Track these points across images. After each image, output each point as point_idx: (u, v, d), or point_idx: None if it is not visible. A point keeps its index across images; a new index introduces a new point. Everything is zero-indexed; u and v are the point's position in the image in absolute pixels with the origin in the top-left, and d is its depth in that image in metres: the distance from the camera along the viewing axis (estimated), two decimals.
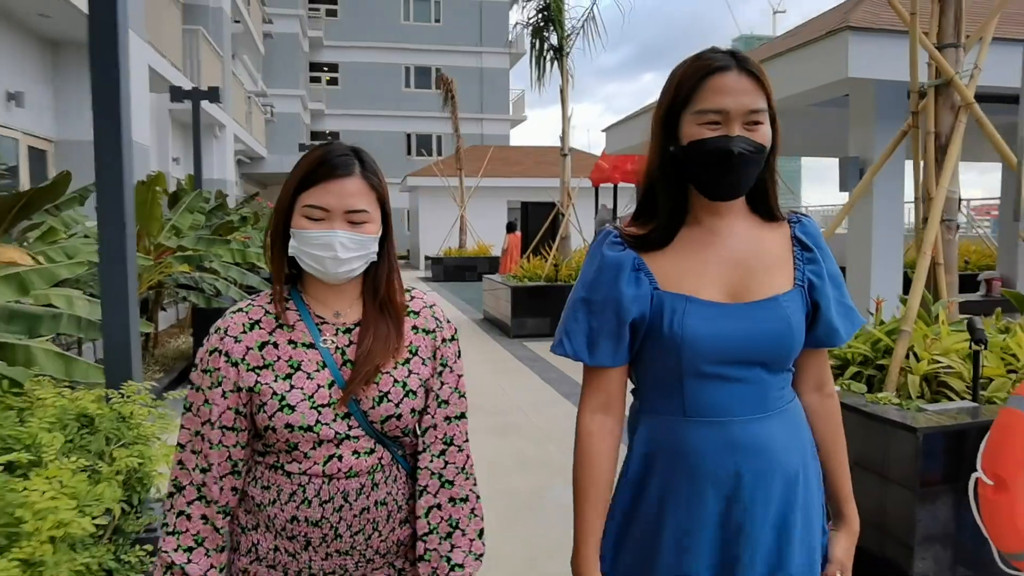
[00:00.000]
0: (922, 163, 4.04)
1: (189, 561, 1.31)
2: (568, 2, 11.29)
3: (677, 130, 1.35)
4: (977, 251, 12.69)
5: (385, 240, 1.39)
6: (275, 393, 1.30)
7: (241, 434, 1.34)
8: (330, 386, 1.32)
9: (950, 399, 3.31)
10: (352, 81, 34.18)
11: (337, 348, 1.36)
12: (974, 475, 2.53)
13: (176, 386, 6.59)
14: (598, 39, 11.22)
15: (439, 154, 32.64)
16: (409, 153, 34.29)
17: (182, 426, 1.37)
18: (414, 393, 1.38)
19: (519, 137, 42.48)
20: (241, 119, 18.24)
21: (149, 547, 2.34)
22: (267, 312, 1.37)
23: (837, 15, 6.26)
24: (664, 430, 1.41)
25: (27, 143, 8.10)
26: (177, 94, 9.98)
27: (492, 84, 35.49)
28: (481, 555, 1.44)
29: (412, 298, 1.47)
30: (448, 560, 1.39)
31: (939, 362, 3.43)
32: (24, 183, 8.01)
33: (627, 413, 1.50)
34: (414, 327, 1.42)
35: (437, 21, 34.89)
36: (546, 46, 11.26)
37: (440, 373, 1.44)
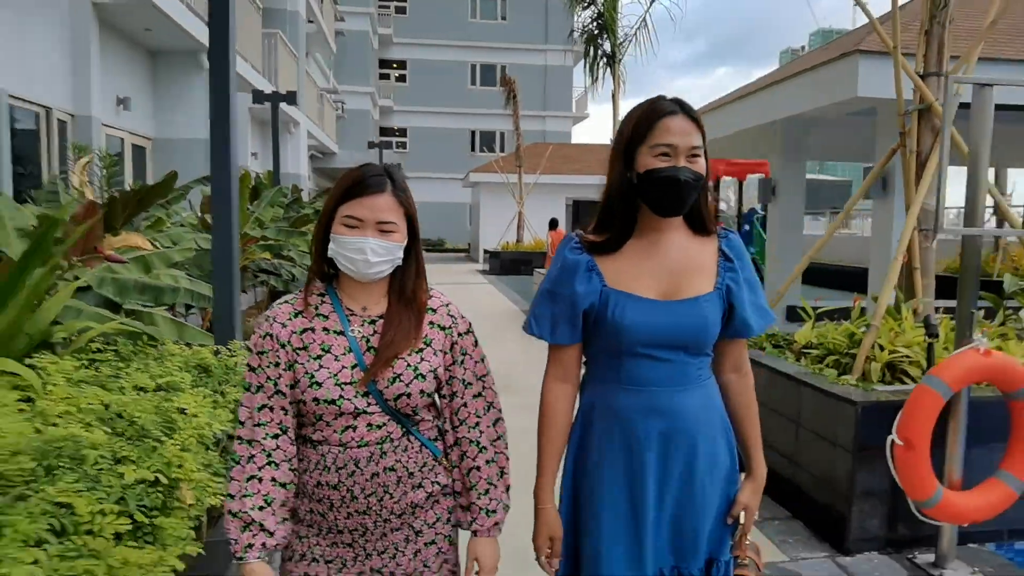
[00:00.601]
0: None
1: (266, 517, 1.53)
2: (622, 10, 11.82)
3: (633, 161, 1.67)
4: None
5: (412, 247, 1.61)
6: (307, 372, 1.53)
7: (293, 406, 1.57)
8: (353, 368, 1.54)
9: (906, 384, 3.86)
10: (420, 78, 35.26)
11: (363, 336, 1.58)
12: (890, 438, 3.12)
13: None
14: (650, 46, 11.69)
15: (502, 151, 33.43)
16: (473, 149, 35.17)
17: (242, 405, 1.58)
18: (423, 377, 1.58)
19: (581, 133, 42.66)
20: (314, 116, 19.37)
21: None
22: (307, 304, 1.60)
23: (853, 38, 6.74)
24: (605, 394, 1.77)
25: (131, 141, 9.22)
26: (259, 97, 10.99)
27: (555, 81, 36.01)
28: (508, 506, 1.72)
29: (431, 297, 1.67)
30: (486, 511, 1.67)
31: (900, 352, 3.98)
32: (128, 175, 9.13)
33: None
34: (431, 322, 1.64)
35: (503, 19, 35.60)
36: (599, 52, 11.83)
37: (461, 362, 1.67)
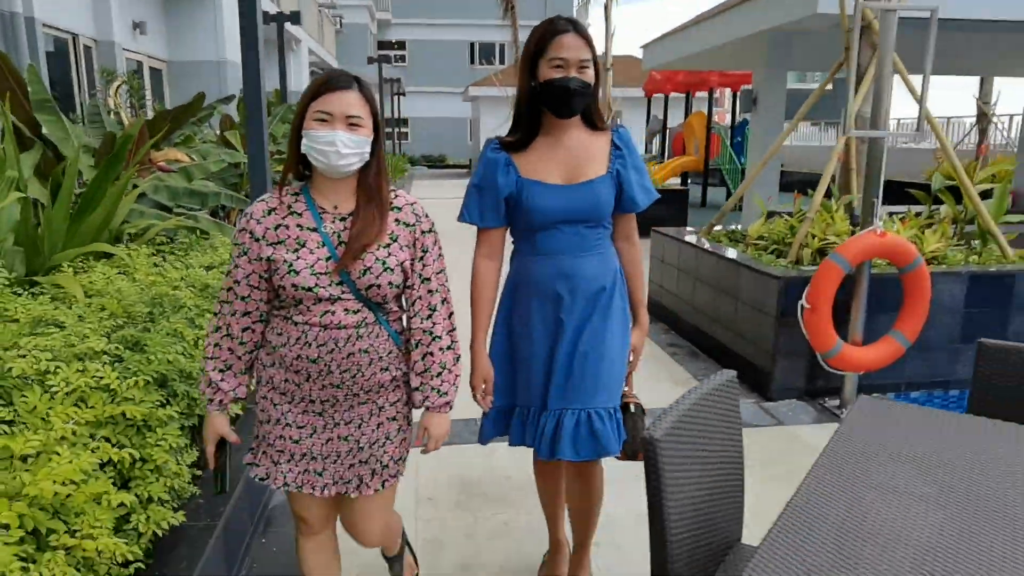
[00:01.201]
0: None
1: (223, 379, 1.78)
2: None
3: (536, 72, 1.98)
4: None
5: (376, 146, 1.72)
6: (285, 261, 1.67)
7: (261, 292, 1.74)
8: (327, 260, 1.68)
9: None
10: None
11: (334, 232, 1.70)
12: (800, 302, 3.90)
13: None
14: None
15: (502, 63, 33.20)
16: (472, 62, 34.87)
17: (222, 286, 1.79)
18: (391, 270, 1.72)
19: None
20: (314, 33, 19.52)
21: None
22: (281, 202, 1.73)
23: None
24: (525, 264, 2.13)
25: (148, 64, 9.73)
26: (266, 18, 11.35)
27: None
28: (457, 388, 1.89)
29: (396, 196, 1.80)
30: (437, 391, 1.83)
31: (829, 240, 4.71)
32: (148, 96, 9.68)
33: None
34: (396, 220, 1.76)
35: None
36: None
37: (421, 258, 1.80)
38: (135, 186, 4.42)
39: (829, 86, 5.48)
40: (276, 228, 1.70)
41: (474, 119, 29.43)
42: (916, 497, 1.45)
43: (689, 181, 18.44)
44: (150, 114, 8.38)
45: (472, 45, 35.08)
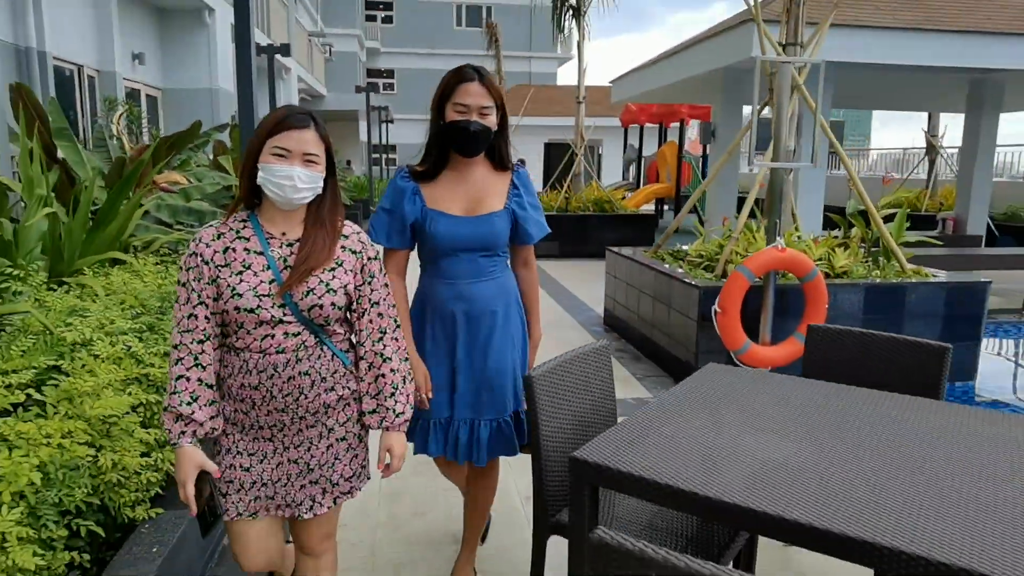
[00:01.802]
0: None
1: (194, 412, 1.71)
2: None
3: (444, 113, 2.16)
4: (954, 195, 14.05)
5: (329, 179, 1.79)
6: (229, 284, 1.70)
7: (216, 316, 1.75)
8: (271, 283, 1.72)
9: None
10: (406, 19, 35.68)
11: (280, 257, 1.75)
12: (713, 307, 4.56)
13: None
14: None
15: None
16: None
17: (176, 317, 1.75)
18: (334, 291, 1.78)
19: (567, 74, 42.84)
20: (304, 61, 20.28)
21: None
22: (230, 228, 1.77)
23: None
24: (429, 286, 2.30)
25: (146, 92, 10.39)
26: (256, 50, 12.05)
27: (541, 22, 36.29)
28: (412, 407, 1.95)
29: (344, 224, 1.88)
30: (393, 411, 1.89)
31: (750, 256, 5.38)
32: (144, 123, 10.31)
33: None
34: (343, 247, 1.84)
35: None
36: (566, 5, 12.84)
37: (369, 282, 1.87)
38: (141, 204, 5.04)
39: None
40: (224, 251, 1.74)
41: None
42: (730, 419, 2.08)
43: (665, 207, 19.22)
44: (147, 139, 9.02)
45: None
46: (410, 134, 34.91)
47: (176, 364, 1.74)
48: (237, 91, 5.06)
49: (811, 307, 4.67)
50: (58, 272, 3.94)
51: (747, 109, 9.83)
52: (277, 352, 1.73)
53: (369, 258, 1.89)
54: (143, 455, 2.36)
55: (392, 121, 31.33)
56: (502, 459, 2.52)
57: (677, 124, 18.95)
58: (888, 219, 5.84)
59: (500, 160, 2.29)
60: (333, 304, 1.78)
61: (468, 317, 2.24)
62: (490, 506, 2.60)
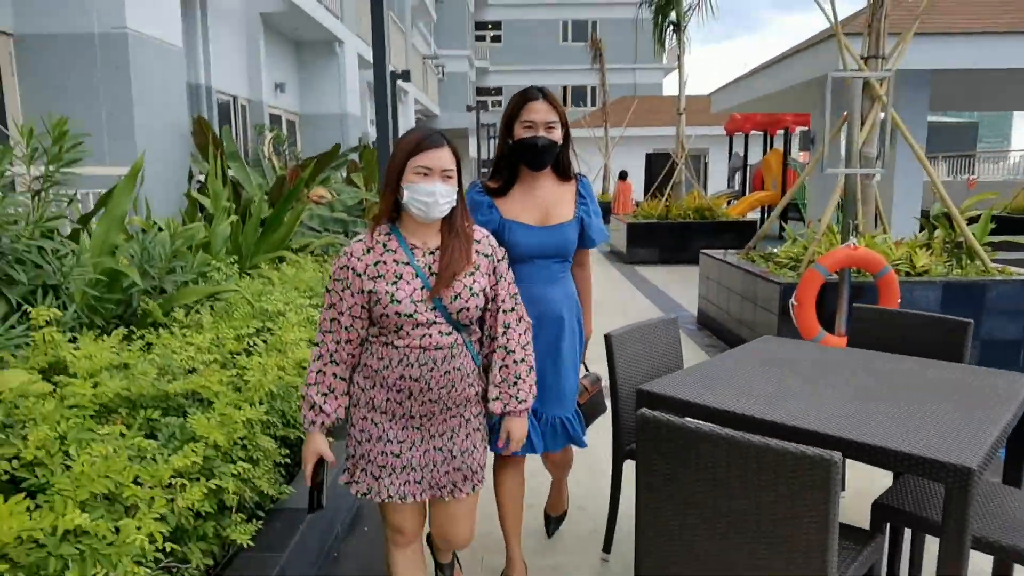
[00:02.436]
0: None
1: (325, 402, 1.95)
2: None
3: (512, 131, 2.35)
4: None
5: (459, 190, 1.96)
6: (387, 292, 1.89)
7: (362, 321, 1.95)
8: (421, 289, 1.91)
9: None
10: (513, 38, 36.94)
11: (425, 265, 1.94)
12: (791, 300, 5.02)
13: None
14: (710, 14, 13.08)
15: (593, 104, 34.80)
16: (565, 104, 36.58)
17: (321, 319, 1.98)
18: (477, 294, 1.97)
19: (672, 84, 42.82)
20: (419, 83, 21.66)
21: None
22: (376, 241, 1.95)
23: (851, 22, 8.26)
24: None
25: (286, 117, 11.75)
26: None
27: (646, 34, 36.68)
28: (533, 395, 2.11)
29: (474, 230, 2.03)
30: (515, 398, 2.06)
31: None
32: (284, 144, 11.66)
33: None
34: (476, 251, 2.01)
35: None
36: (667, 22, 13.34)
37: (497, 283, 2.04)
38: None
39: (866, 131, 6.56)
40: (375, 264, 1.93)
41: None
42: (783, 375, 2.66)
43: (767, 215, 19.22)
44: (288, 158, 10.26)
45: (565, 89, 36.88)
46: None
47: (316, 359, 1.96)
48: (376, 120, 6.03)
49: (884, 301, 5.04)
50: (240, 266, 4.94)
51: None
52: (436, 348, 1.92)
53: (499, 260, 2.07)
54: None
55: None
56: None
57: (782, 132, 18.92)
58: (974, 220, 6.06)
59: (564, 172, 2.47)
60: (477, 306, 1.97)
61: (539, 321, 2.37)
62: (565, 490, 2.90)
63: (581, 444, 2.54)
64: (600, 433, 3.73)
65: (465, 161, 28.51)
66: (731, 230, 12.70)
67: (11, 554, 1.57)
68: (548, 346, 2.41)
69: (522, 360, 2.08)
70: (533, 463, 2.85)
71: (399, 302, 1.88)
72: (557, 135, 2.35)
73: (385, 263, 1.93)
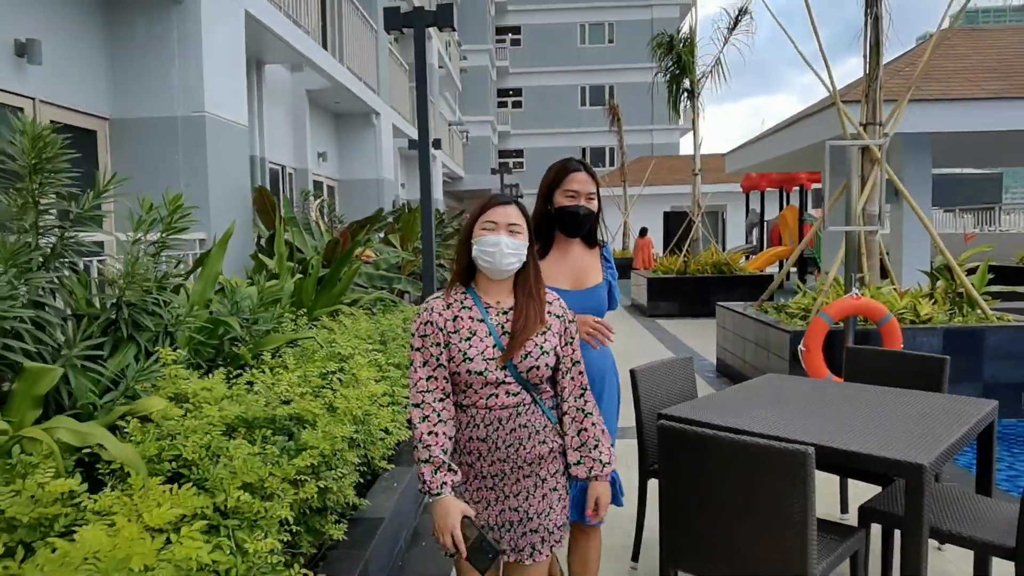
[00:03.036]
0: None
1: (450, 461, 1.92)
2: (699, 52, 14.08)
3: (552, 199, 2.48)
4: None
5: (530, 252, 2.03)
6: (460, 350, 1.94)
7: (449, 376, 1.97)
8: (493, 347, 1.96)
9: None
10: (534, 103, 38.41)
11: (498, 324, 1.99)
12: (799, 347, 5.50)
13: None
14: (723, 81, 13.85)
15: (611, 164, 35.83)
16: None
17: (411, 378, 1.99)
18: (547, 353, 2.00)
19: (688, 143, 43.77)
20: (445, 148, 22.68)
21: None
22: (454, 299, 2.03)
23: (850, 90, 8.93)
24: None
25: (327, 183, 12.58)
26: (413, 145, 14.16)
27: (662, 99, 37.98)
28: (614, 456, 2.13)
29: (547, 292, 2.10)
30: (599, 461, 2.06)
31: None
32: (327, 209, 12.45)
33: None
34: (549, 312, 2.06)
35: (611, 42, 38.13)
36: (681, 89, 14.15)
37: (570, 343, 2.08)
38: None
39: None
40: (453, 319, 1.99)
41: None
42: (789, 402, 3.16)
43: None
44: (327, 220, 10.99)
45: (584, 150, 38.04)
46: None
47: (423, 421, 1.93)
48: (420, 181, 6.68)
49: (887, 347, 5.51)
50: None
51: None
52: (501, 408, 1.95)
53: (569, 321, 2.11)
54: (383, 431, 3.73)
55: (522, 196, 33.60)
56: None
57: (797, 189, 19.53)
58: (972, 272, 6.53)
59: (592, 239, 2.60)
60: (547, 365, 2.00)
61: (588, 370, 2.42)
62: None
63: (618, 502, 2.53)
64: (624, 460, 4.22)
65: None
66: (747, 284, 13.18)
67: (183, 528, 2.10)
68: (598, 400, 2.48)
69: (597, 423, 2.09)
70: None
71: (471, 360, 1.94)
72: (595, 205, 2.49)
73: (461, 319, 1.99)
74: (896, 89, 8.02)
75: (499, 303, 2.03)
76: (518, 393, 1.97)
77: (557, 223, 2.49)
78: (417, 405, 1.96)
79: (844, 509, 3.84)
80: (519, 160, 38.55)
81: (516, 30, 38.54)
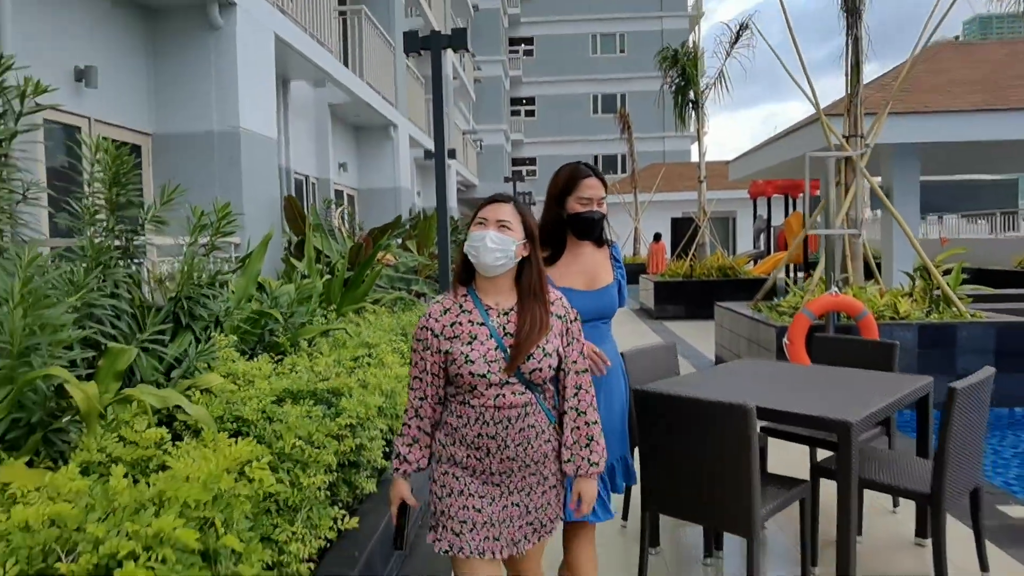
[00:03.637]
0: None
1: (409, 452, 2.09)
2: (703, 65, 14.59)
3: (564, 204, 2.54)
4: None
5: (532, 252, 2.06)
6: (462, 353, 1.99)
7: (441, 379, 2.07)
8: (495, 349, 2.00)
9: None
10: (546, 112, 39.01)
11: (499, 325, 2.03)
12: (783, 340, 6.00)
13: None
14: (726, 92, 14.33)
15: (623, 171, 36.32)
16: None
17: (409, 375, 2.14)
18: (550, 355, 2.04)
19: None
20: (460, 156, 23.30)
21: None
22: (454, 302, 2.07)
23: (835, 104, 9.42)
24: None
25: (347, 192, 13.20)
26: (429, 155, 14.77)
27: (670, 106, 38.46)
28: (604, 457, 2.15)
29: (549, 292, 2.11)
30: (587, 460, 2.10)
31: None
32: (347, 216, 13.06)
33: None
34: (550, 312, 2.08)
35: (622, 52, 38.68)
36: (686, 101, 14.66)
37: (570, 344, 2.12)
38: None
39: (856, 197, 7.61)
40: (452, 325, 2.02)
41: None
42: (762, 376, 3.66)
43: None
44: (348, 227, 11.59)
45: (596, 158, 38.54)
46: None
47: (405, 413, 2.14)
48: (436, 190, 7.23)
49: None
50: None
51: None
52: (510, 407, 1.99)
53: (570, 321, 2.13)
54: None
55: (535, 203, 34.16)
56: None
57: (802, 195, 19.94)
58: (948, 272, 7.00)
59: (601, 239, 2.68)
60: (549, 366, 2.03)
61: (595, 379, 2.44)
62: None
63: (617, 489, 2.62)
64: None
65: None
66: (751, 287, 13.59)
67: (253, 463, 2.65)
68: (607, 394, 2.61)
69: (594, 422, 2.12)
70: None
71: (473, 362, 1.97)
72: (605, 208, 2.61)
73: (461, 324, 2.03)
74: (880, 102, 8.49)
75: (499, 304, 2.07)
76: (524, 393, 2.02)
77: (572, 228, 2.57)
78: (409, 399, 2.14)
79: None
80: (532, 168, 39.14)
81: (529, 41, 39.20)
